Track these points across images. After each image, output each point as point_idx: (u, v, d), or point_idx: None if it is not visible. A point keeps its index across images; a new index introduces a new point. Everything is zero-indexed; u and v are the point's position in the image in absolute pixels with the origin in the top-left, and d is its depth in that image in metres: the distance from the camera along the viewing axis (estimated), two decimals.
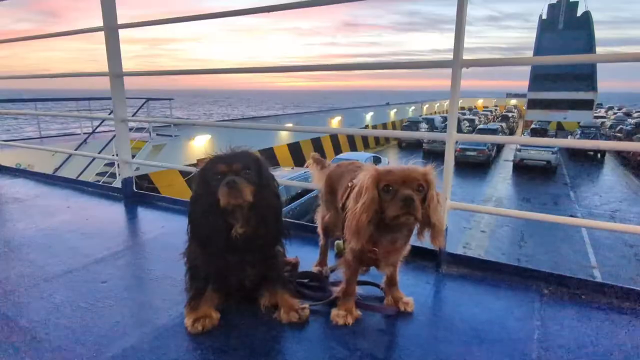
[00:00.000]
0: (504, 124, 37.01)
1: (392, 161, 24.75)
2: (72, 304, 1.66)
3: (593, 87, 40.59)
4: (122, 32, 2.85)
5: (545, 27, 44.89)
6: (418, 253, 2.02)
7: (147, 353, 1.36)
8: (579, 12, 44.20)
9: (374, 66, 2.08)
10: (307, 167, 2.02)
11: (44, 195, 3.28)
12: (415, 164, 1.39)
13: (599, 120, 41.24)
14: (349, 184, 1.54)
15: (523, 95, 53.36)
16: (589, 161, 28.00)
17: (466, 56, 1.81)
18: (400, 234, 1.42)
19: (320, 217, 1.88)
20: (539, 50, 43.55)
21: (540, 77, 41.89)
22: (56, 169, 11.12)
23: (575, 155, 28.99)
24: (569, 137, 30.14)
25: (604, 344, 1.41)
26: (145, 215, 2.85)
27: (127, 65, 2.88)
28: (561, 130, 39.92)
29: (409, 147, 32.48)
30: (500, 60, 1.82)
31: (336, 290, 1.59)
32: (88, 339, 1.43)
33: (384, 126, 36.72)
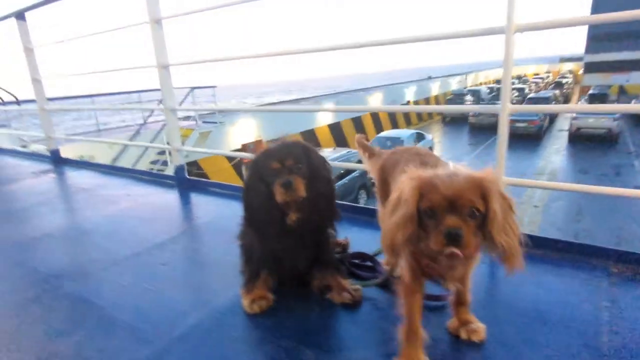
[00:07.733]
0: (557, 92, 34.41)
1: (437, 138, 23.88)
2: (138, 286, 1.77)
3: None
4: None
5: None
6: None
7: (209, 332, 1.43)
8: None
9: (419, 39, 1.99)
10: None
11: (105, 185, 3.51)
12: (468, 168, 1.08)
13: None
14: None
15: (579, 59, 49.27)
16: None
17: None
18: None
19: (380, 218, 1.54)
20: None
21: (599, 37, 38.28)
22: (114, 159, 11.90)
23: None
24: (633, 101, 27.55)
25: None
26: (198, 200, 2.97)
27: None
28: (624, 94, 36.48)
29: (454, 121, 31.17)
30: (558, 22, 1.67)
31: (387, 270, 1.57)
32: (155, 318, 1.53)
33: (427, 101, 35.51)
